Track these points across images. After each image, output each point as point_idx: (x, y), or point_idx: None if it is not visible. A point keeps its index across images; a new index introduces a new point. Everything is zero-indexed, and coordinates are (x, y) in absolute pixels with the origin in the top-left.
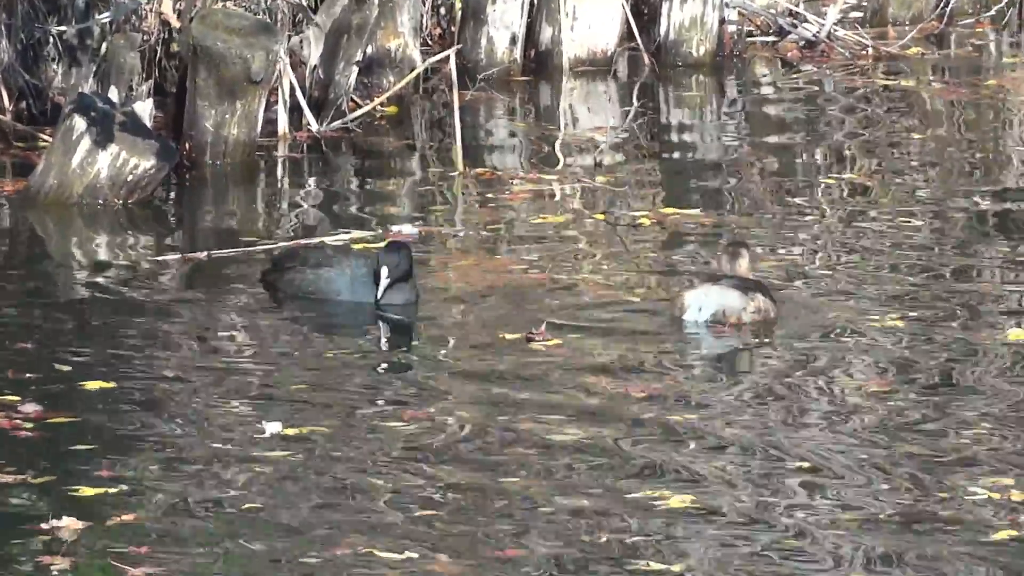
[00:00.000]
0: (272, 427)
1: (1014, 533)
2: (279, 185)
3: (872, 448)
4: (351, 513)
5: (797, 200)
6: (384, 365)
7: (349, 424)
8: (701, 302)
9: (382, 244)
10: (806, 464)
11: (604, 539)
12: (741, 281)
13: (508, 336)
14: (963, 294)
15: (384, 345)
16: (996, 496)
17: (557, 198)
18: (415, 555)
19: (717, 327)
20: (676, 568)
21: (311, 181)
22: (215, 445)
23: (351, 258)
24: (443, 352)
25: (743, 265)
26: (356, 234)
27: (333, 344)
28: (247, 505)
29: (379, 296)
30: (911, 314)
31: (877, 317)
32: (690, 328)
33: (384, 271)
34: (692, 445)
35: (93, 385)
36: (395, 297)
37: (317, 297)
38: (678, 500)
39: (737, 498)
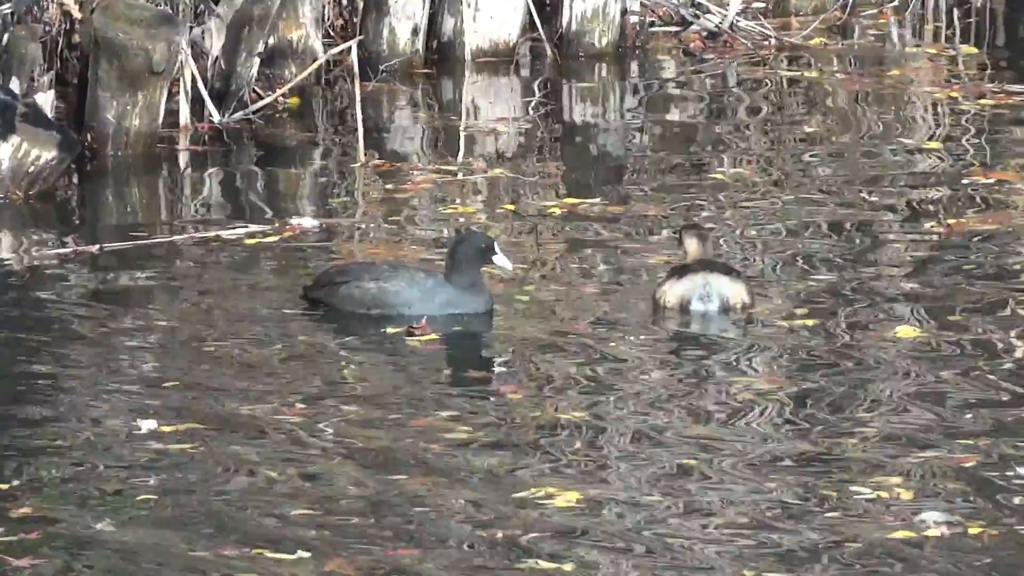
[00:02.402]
0: (147, 424)
1: (910, 534)
2: (181, 177)
3: (760, 445)
4: (240, 513)
5: (699, 191)
6: (269, 362)
7: (233, 421)
8: (704, 291)
9: (453, 236)
10: (693, 462)
11: (499, 536)
12: (721, 266)
13: (390, 330)
14: (856, 290)
15: (274, 340)
16: (884, 495)
17: (459, 189)
18: (306, 555)
19: (728, 315)
20: (567, 568)
21: (213, 172)
22: (94, 441)
23: (409, 271)
24: (329, 347)
25: (706, 248)
26: (253, 227)
27: (222, 339)
28: (132, 505)
29: (510, 267)
30: (803, 309)
31: (770, 312)
32: (699, 319)
33: (496, 245)
34: (577, 444)
35: None
36: (482, 302)
37: (381, 312)
38: (564, 499)
39: (626, 496)
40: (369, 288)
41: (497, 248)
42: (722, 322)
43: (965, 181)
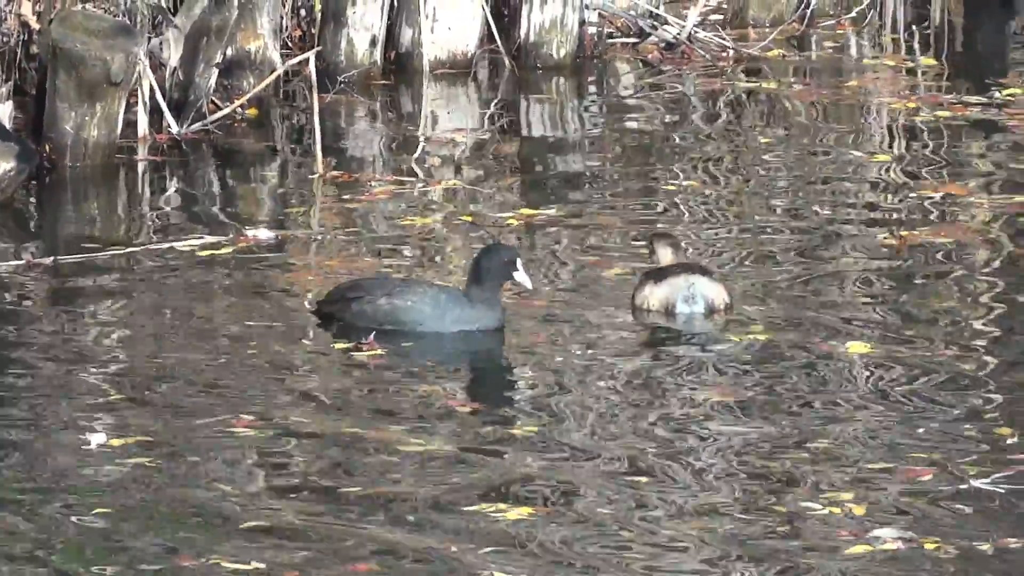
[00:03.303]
0: (97, 438)
1: (866, 549)
2: (139, 188)
3: (711, 459)
4: (195, 523)
5: (656, 202)
6: (221, 374)
7: (186, 434)
8: (689, 293)
9: (480, 249)
10: (644, 478)
11: (454, 550)
12: (700, 268)
13: (338, 345)
14: (809, 303)
15: (227, 353)
16: (836, 511)
17: (417, 200)
18: (261, 565)
19: (712, 317)
20: None
21: (171, 184)
22: (43, 454)
23: (423, 286)
24: (280, 360)
25: (679, 256)
26: (209, 238)
27: (174, 351)
28: (87, 517)
29: (529, 284)
30: (756, 323)
31: (723, 325)
32: (685, 321)
33: (519, 261)
34: (529, 459)
35: None
36: (493, 318)
37: (395, 328)
38: (516, 513)
39: (575, 510)
40: (381, 304)
41: (519, 264)
42: (688, 328)
43: (917, 194)
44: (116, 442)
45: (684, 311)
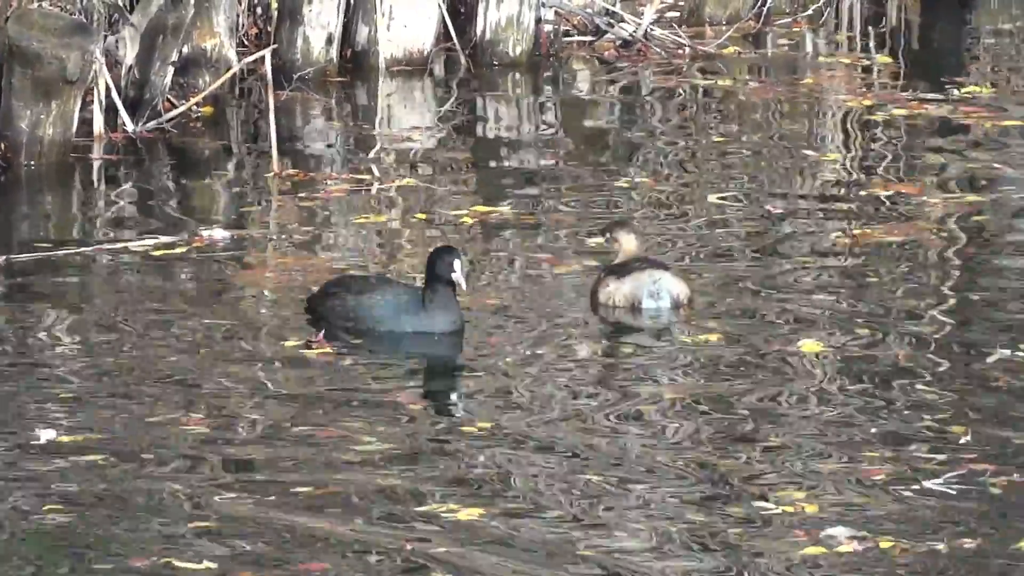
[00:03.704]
0: (47, 434)
1: (821, 550)
2: (94, 186)
3: (663, 458)
4: (146, 523)
5: (612, 201)
6: (172, 373)
7: (136, 432)
8: (654, 288)
9: (431, 249)
10: (597, 477)
11: (408, 548)
12: (659, 263)
13: (288, 343)
14: (763, 301)
15: (177, 351)
16: (789, 510)
17: (372, 198)
18: (214, 565)
19: (678, 312)
20: None
21: (126, 182)
22: None
23: (393, 286)
24: (231, 358)
25: (640, 244)
26: (163, 238)
27: (125, 350)
28: (36, 514)
29: (464, 286)
30: (709, 321)
31: (675, 323)
32: (651, 315)
33: (458, 263)
34: (480, 456)
35: None
36: (446, 321)
37: (357, 326)
38: (466, 513)
39: (527, 507)
40: (348, 302)
41: (456, 265)
42: (641, 325)
43: (871, 192)
44: (66, 438)
45: (650, 306)
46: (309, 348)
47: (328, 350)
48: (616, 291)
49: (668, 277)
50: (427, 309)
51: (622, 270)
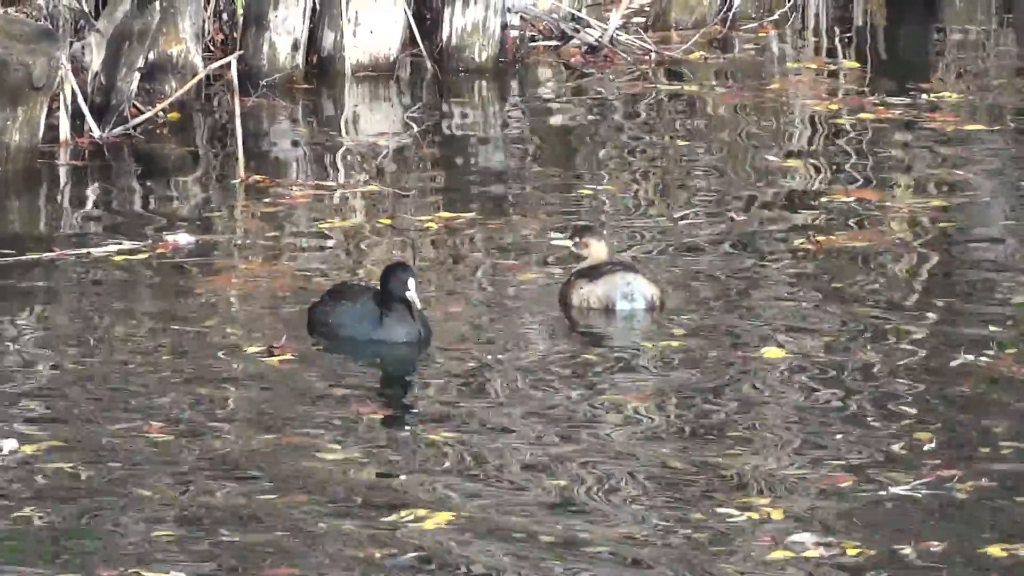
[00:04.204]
0: (8, 444)
1: (787, 554)
2: (60, 192)
3: (627, 465)
4: (111, 533)
5: (577, 206)
6: (134, 380)
7: (100, 440)
8: (627, 290)
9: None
10: (562, 481)
11: (377, 556)
12: (630, 265)
13: (251, 349)
14: (727, 309)
15: (140, 358)
16: (753, 516)
17: (338, 204)
18: (181, 574)
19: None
20: None
21: (92, 188)
22: None
23: (357, 296)
24: (195, 365)
25: (610, 249)
26: (127, 243)
27: (87, 357)
28: (2, 527)
29: (418, 304)
30: (673, 328)
31: (643, 330)
32: (625, 318)
33: (412, 282)
34: (447, 463)
35: None
36: (402, 333)
37: (327, 333)
38: (433, 522)
39: (491, 517)
40: (325, 308)
41: (411, 284)
42: (603, 332)
43: (836, 197)
44: (28, 448)
45: (624, 308)
46: (271, 355)
47: (289, 356)
48: (590, 293)
49: (640, 279)
50: (384, 320)
51: (593, 273)
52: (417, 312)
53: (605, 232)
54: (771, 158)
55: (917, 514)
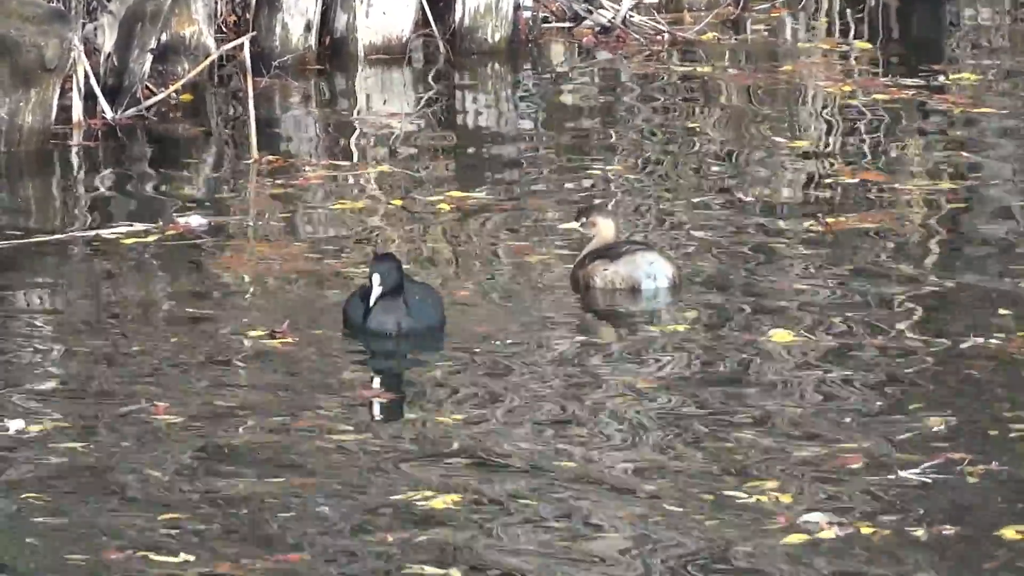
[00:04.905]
0: (15, 424)
1: (803, 537)
2: (73, 174)
3: (635, 448)
4: (119, 515)
5: (589, 187)
6: (139, 360)
7: (107, 422)
8: (651, 270)
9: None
10: (570, 464)
11: (389, 539)
12: (645, 245)
13: (253, 332)
14: (736, 290)
15: (148, 341)
16: (763, 499)
17: (351, 185)
18: (191, 558)
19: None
20: (455, 572)
21: (105, 170)
22: None
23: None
24: (201, 348)
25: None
26: (138, 226)
27: (96, 339)
28: (4, 506)
29: (372, 304)
30: (683, 310)
31: (655, 313)
32: (649, 297)
33: (376, 278)
34: (455, 444)
35: None
36: (387, 322)
37: (344, 320)
38: (442, 501)
39: (498, 497)
40: (349, 295)
41: (375, 280)
42: (614, 313)
43: (846, 179)
44: (34, 428)
45: (650, 287)
46: (273, 338)
47: (290, 340)
48: (615, 274)
49: (660, 258)
50: (373, 309)
51: (611, 253)
52: (416, 301)
53: (613, 211)
54: (782, 139)
55: (928, 497)
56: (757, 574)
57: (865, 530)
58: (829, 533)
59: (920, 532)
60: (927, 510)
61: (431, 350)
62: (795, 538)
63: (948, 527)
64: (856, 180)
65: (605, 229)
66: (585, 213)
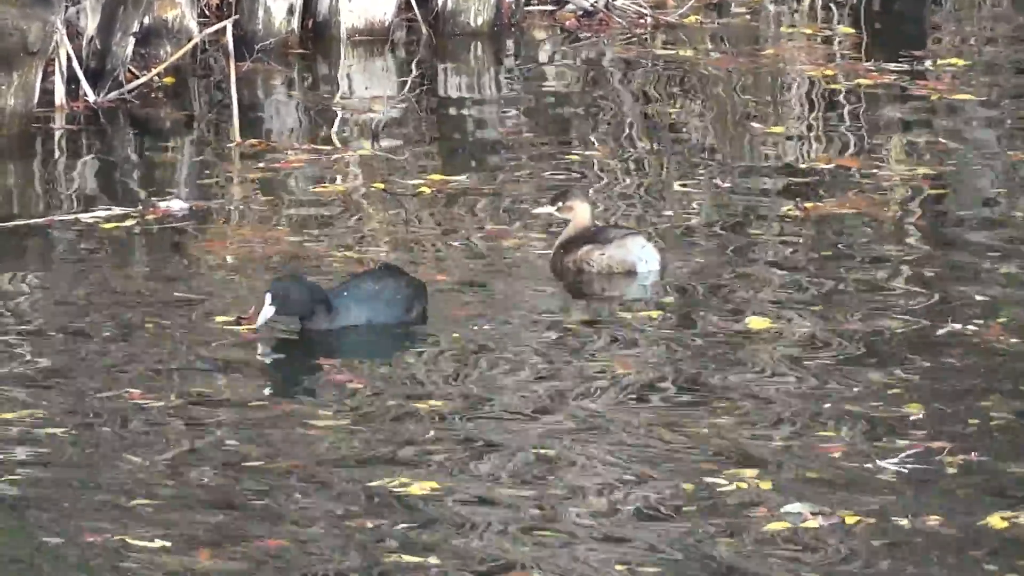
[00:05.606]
0: None
1: (786, 525)
2: (56, 157)
3: (614, 437)
4: (97, 498)
5: (570, 171)
6: (118, 344)
7: (86, 408)
8: (643, 254)
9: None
10: (550, 451)
11: (368, 525)
12: (630, 230)
13: (219, 318)
14: (715, 276)
15: (121, 324)
16: (743, 486)
17: (334, 169)
18: (168, 544)
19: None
20: (433, 560)
21: (88, 153)
22: None
23: (362, 277)
24: (173, 331)
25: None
26: (117, 209)
27: (72, 323)
28: None
29: (257, 326)
30: (663, 296)
31: (632, 300)
32: (644, 281)
33: (268, 297)
34: (432, 432)
35: None
36: (318, 321)
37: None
38: (419, 488)
39: (478, 486)
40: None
41: (267, 298)
42: (592, 299)
43: (826, 164)
44: (8, 415)
45: (644, 270)
46: (239, 324)
47: (253, 327)
48: (611, 258)
49: (648, 243)
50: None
51: (600, 238)
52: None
53: (588, 194)
54: (763, 124)
55: (908, 486)
56: (739, 565)
57: (849, 519)
58: (813, 523)
59: (904, 522)
60: (909, 500)
61: (409, 336)
62: (778, 526)
63: (932, 517)
64: (835, 165)
65: (581, 213)
66: (561, 197)
